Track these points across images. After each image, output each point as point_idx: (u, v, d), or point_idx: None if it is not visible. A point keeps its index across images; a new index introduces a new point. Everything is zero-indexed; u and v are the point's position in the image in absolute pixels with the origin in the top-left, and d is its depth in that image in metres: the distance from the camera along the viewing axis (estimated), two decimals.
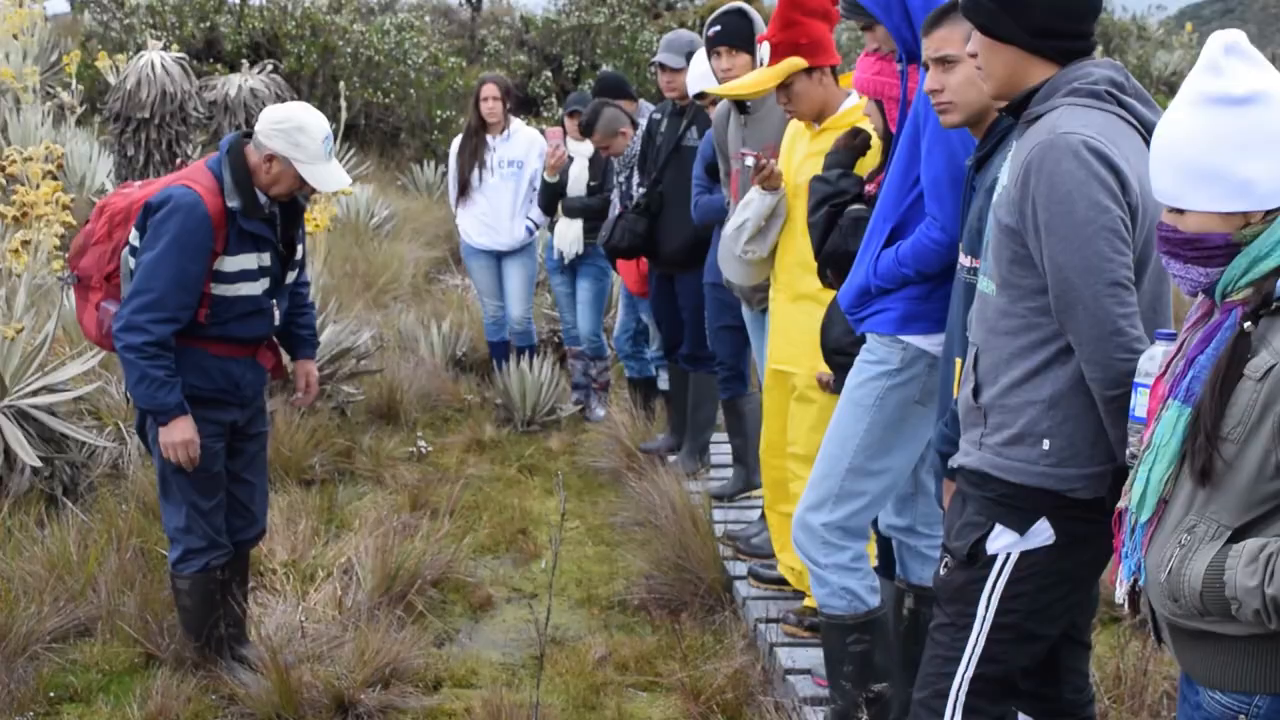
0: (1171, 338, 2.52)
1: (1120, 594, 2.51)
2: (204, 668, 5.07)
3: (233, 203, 4.78)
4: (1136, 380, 2.54)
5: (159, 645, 5.21)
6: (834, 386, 4.61)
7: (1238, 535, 2.29)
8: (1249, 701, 2.33)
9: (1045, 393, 2.82)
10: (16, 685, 4.93)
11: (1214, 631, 2.32)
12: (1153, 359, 2.51)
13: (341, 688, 4.91)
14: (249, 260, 4.88)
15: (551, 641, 5.62)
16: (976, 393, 2.94)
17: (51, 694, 4.99)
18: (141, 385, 4.74)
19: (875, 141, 4.52)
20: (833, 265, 4.32)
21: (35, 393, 6.86)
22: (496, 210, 9.09)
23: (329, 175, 4.88)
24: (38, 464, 6.52)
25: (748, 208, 5.14)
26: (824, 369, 4.78)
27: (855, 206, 4.22)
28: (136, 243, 4.76)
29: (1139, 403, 2.53)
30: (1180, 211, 2.41)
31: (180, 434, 4.77)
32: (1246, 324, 2.30)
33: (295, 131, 4.77)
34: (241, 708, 4.87)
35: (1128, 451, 2.55)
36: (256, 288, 4.94)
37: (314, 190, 5.05)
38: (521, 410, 8.90)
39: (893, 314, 3.92)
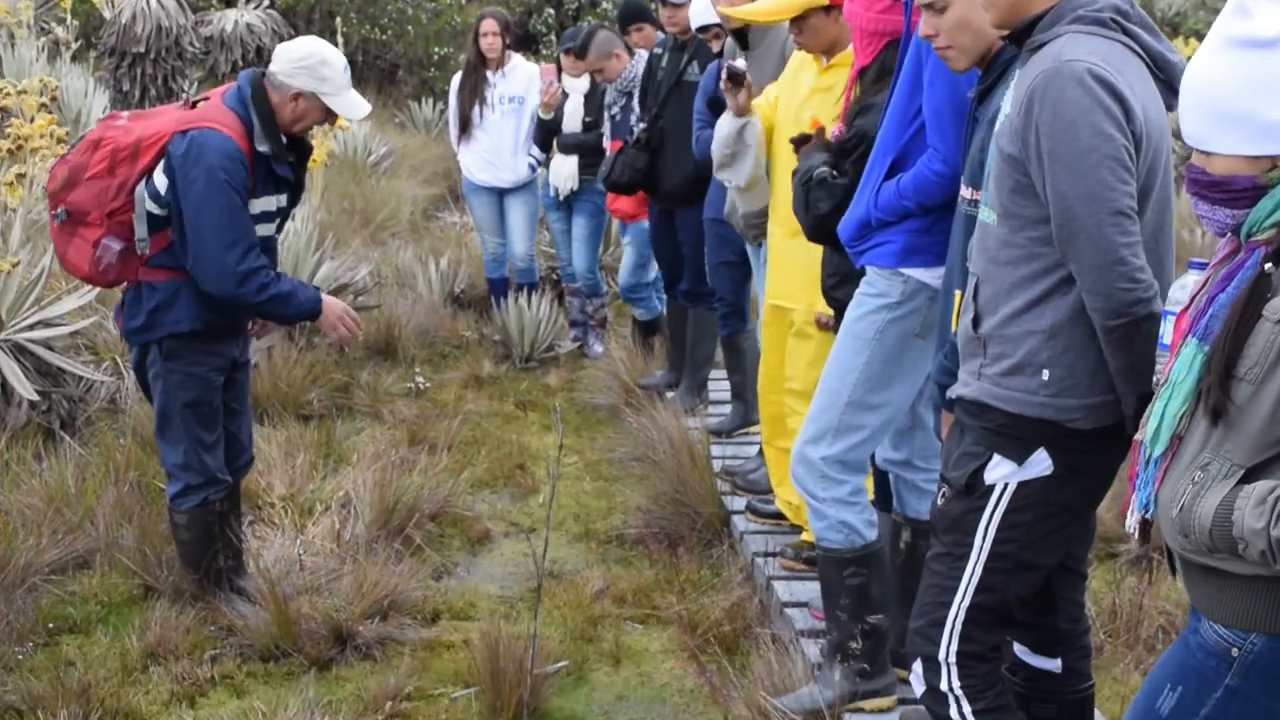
0: (1204, 267, 2.50)
1: (1131, 522, 2.50)
2: (202, 599, 5.08)
3: (262, 147, 4.78)
4: (1165, 308, 2.53)
5: (157, 577, 5.23)
6: (833, 326, 4.60)
7: (1251, 475, 2.28)
8: (1245, 637, 2.33)
9: (1046, 323, 2.81)
10: (16, 616, 4.94)
11: (1220, 568, 2.33)
12: (1183, 287, 2.49)
13: (340, 619, 4.93)
14: (270, 203, 4.91)
15: (549, 575, 5.64)
16: (976, 323, 2.92)
17: (50, 625, 5.01)
18: (288, 308, 4.86)
19: (837, 92, 4.57)
20: (817, 237, 4.31)
21: (32, 327, 6.84)
22: (498, 146, 9.03)
23: (355, 103, 4.92)
24: (35, 398, 6.51)
25: (718, 134, 5.19)
26: (823, 308, 4.77)
27: (819, 169, 4.22)
28: (161, 187, 4.71)
29: (1165, 330, 2.52)
30: (1208, 154, 2.39)
31: (337, 309, 4.97)
32: (1268, 265, 2.28)
33: (320, 65, 4.79)
34: (240, 639, 4.89)
35: (1154, 379, 2.53)
36: (271, 228, 4.97)
37: (330, 124, 5.00)
38: (520, 347, 8.89)
39: (893, 247, 3.89)
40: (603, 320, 9.33)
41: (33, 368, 6.75)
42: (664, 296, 8.31)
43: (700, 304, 7.48)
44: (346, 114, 4.92)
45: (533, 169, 9.09)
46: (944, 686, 2.94)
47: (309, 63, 4.78)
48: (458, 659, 4.87)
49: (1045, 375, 2.81)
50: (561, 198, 8.79)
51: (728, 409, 7.39)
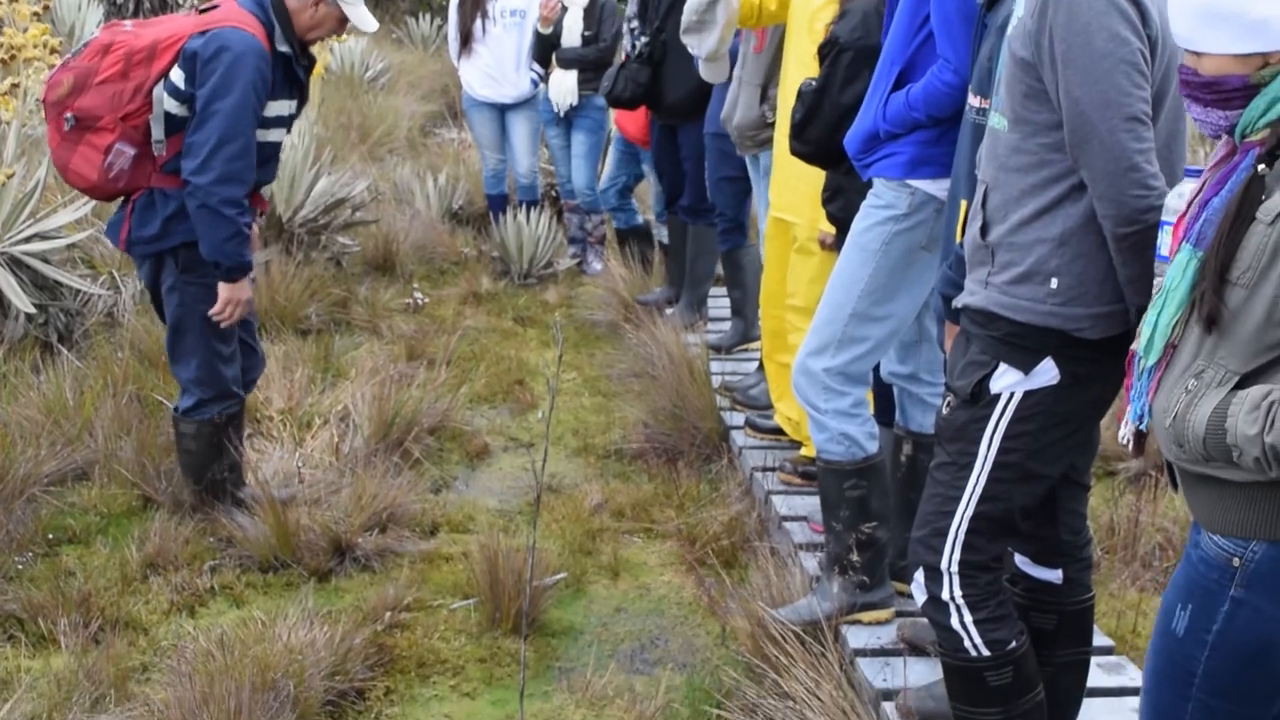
0: (1200, 174, 2.46)
1: (1124, 434, 2.48)
2: (201, 511, 5.08)
3: (283, 47, 4.78)
4: (1163, 219, 2.49)
5: (156, 489, 5.22)
6: (834, 246, 4.57)
7: (1245, 382, 2.25)
8: (1245, 546, 2.32)
9: (1055, 230, 2.77)
10: (15, 526, 4.94)
11: (1217, 477, 2.31)
12: (1180, 196, 2.45)
13: (339, 531, 4.93)
14: (283, 106, 4.89)
15: (548, 489, 5.65)
16: (984, 231, 2.88)
17: (50, 536, 5.01)
18: (233, 241, 4.72)
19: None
20: (815, 158, 4.28)
21: (28, 240, 6.79)
22: (500, 61, 8.92)
23: (368, 17, 4.99)
24: (32, 310, 6.48)
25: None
26: (826, 226, 4.73)
27: (805, 80, 4.18)
28: (180, 84, 4.65)
29: (1163, 241, 2.48)
30: (1198, 55, 2.34)
31: (246, 291, 4.87)
32: (1260, 166, 2.24)
33: None
34: (239, 550, 4.89)
35: (1154, 291, 2.50)
36: (281, 133, 4.96)
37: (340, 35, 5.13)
38: (518, 263, 8.84)
39: (901, 158, 3.84)
40: (602, 237, 9.27)
41: (29, 281, 6.72)
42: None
43: (701, 219, 7.43)
44: (361, 25, 4.95)
45: (535, 84, 8.99)
46: (945, 596, 2.94)
47: None
48: (456, 571, 4.88)
49: (1054, 283, 2.78)
50: (561, 113, 8.70)
51: (727, 325, 7.36)
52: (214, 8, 4.80)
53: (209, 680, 3.64)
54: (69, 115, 4.71)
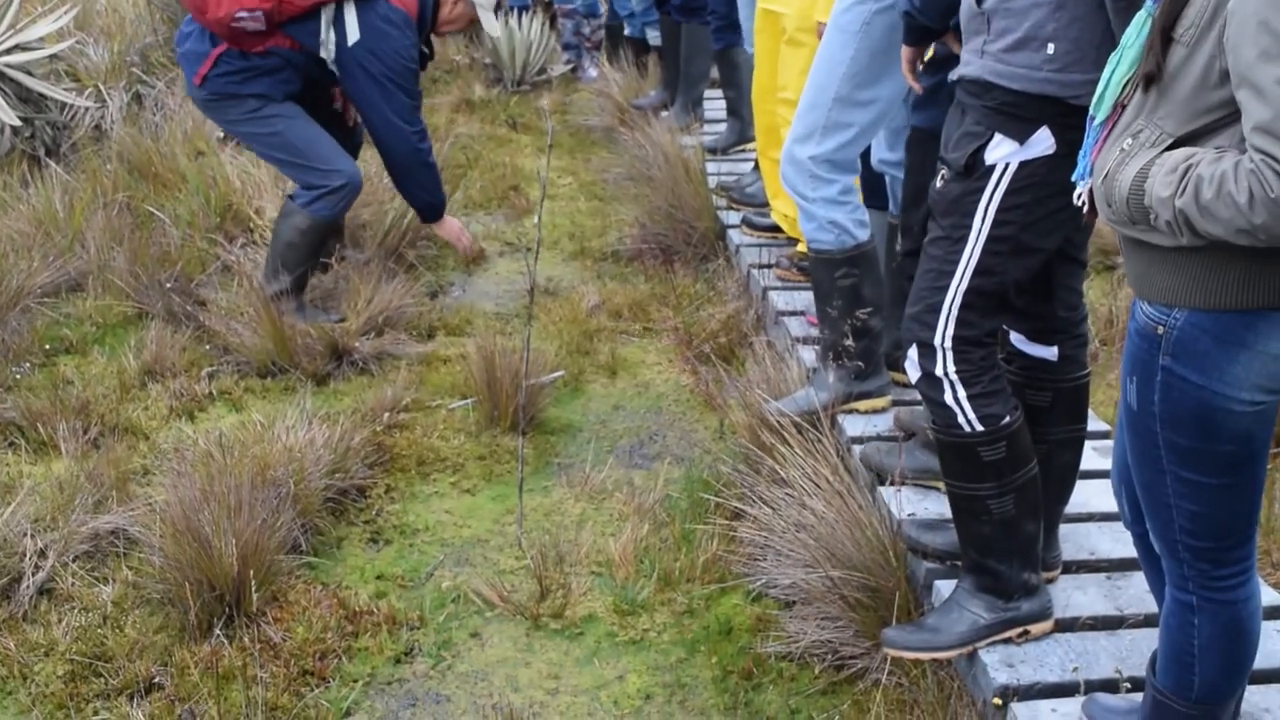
0: None
1: (1078, 192, 2.42)
2: (194, 320, 5.07)
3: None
4: None
5: (149, 301, 5.20)
6: None
7: (1178, 145, 2.19)
8: (1169, 313, 2.27)
9: None
10: (11, 337, 4.94)
11: (1145, 240, 2.26)
12: None
13: (336, 336, 4.93)
14: None
15: (545, 292, 5.62)
16: None
17: (47, 346, 5.01)
18: (441, 190, 5.45)
19: None
20: None
21: (8, 51, 6.67)
22: None
23: (494, 22, 5.47)
24: (17, 123, 6.40)
25: None
26: (821, 15, 4.60)
27: None
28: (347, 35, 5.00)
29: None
30: None
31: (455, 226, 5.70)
32: None
33: None
34: (237, 357, 4.89)
35: None
36: None
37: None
38: (511, 70, 8.69)
39: None
40: (598, 43, 9.10)
41: (13, 94, 6.61)
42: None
43: (694, 19, 7.25)
44: (489, 28, 5.44)
45: None
46: (939, 371, 2.91)
47: None
48: (454, 372, 4.88)
49: (1050, 49, 2.70)
50: None
51: (723, 127, 7.25)
52: None
53: (209, 479, 3.66)
54: None
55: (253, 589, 3.40)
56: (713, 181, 6.32)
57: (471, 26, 5.50)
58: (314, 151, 5.10)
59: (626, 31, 8.73)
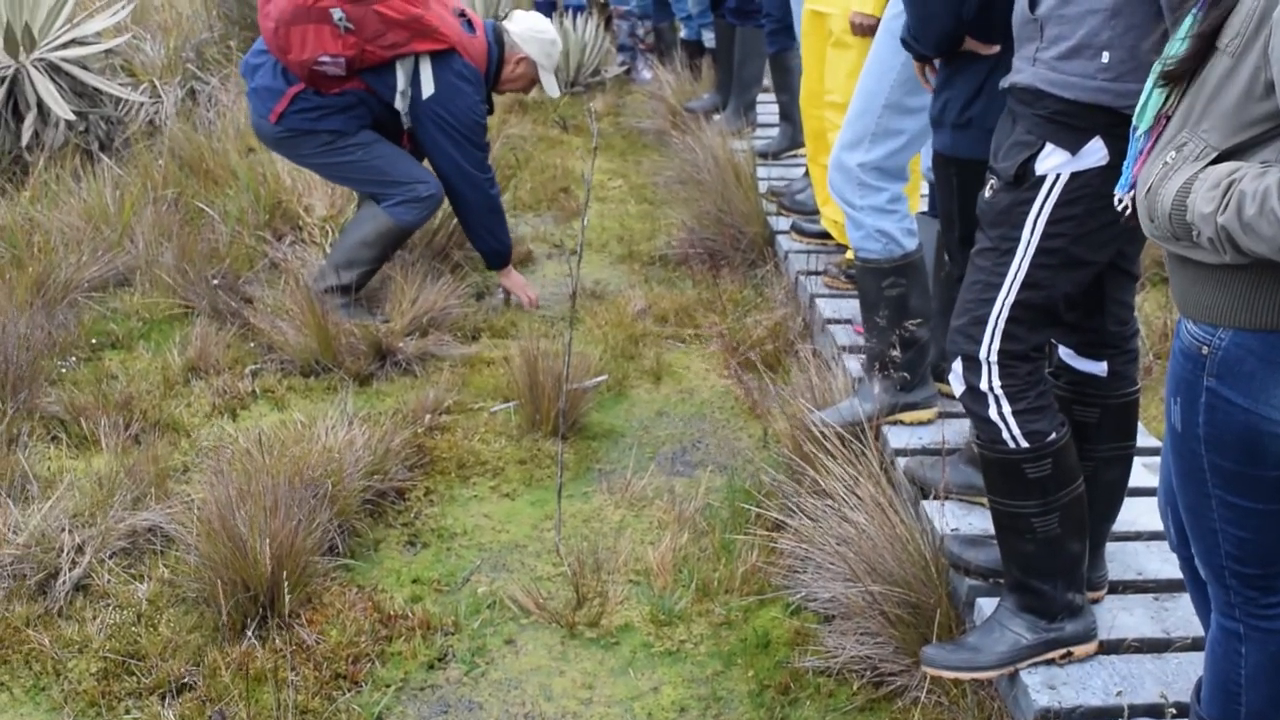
0: None
1: (1118, 198, 2.35)
2: (240, 317, 5.07)
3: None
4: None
5: (196, 297, 5.21)
6: (870, 30, 4.38)
7: (1223, 159, 2.12)
8: (1213, 333, 2.19)
9: (1107, 0, 2.61)
10: (58, 331, 4.96)
11: (1191, 258, 2.18)
12: None
13: (380, 336, 4.91)
14: None
15: (591, 295, 5.59)
16: (1033, 4, 2.72)
17: (93, 340, 5.02)
18: (508, 236, 5.43)
19: None
20: None
21: (65, 45, 6.71)
22: None
23: (555, 84, 5.52)
24: (71, 117, 6.44)
25: None
26: (860, 6, 4.54)
27: None
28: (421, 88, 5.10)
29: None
30: None
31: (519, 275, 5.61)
32: None
33: (550, 44, 5.43)
34: (280, 355, 4.89)
35: None
36: None
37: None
38: (565, 71, 8.66)
39: None
40: (653, 45, 9.06)
41: (68, 87, 6.65)
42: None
43: (748, 22, 7.20)
44: (549, 90, 5.48)
45: None
46: (984, 386, 2.85)
47: (545, 37, 5.39)
48: (497, 375, 4.85)
49: (1105, 58, 2.63)
50: None
51: (775, 131, 7.19)
52: (468, 18, 5.27)
53: (246, 478, 3.65)
54: (337, 9, 4.88)
55: (286, 590, 3.37)
56: (763, 186, 6.27)
57: (532, 86, 5.55)
58: (396, 169, 5.17)
59: (682, 34, 8.70)
